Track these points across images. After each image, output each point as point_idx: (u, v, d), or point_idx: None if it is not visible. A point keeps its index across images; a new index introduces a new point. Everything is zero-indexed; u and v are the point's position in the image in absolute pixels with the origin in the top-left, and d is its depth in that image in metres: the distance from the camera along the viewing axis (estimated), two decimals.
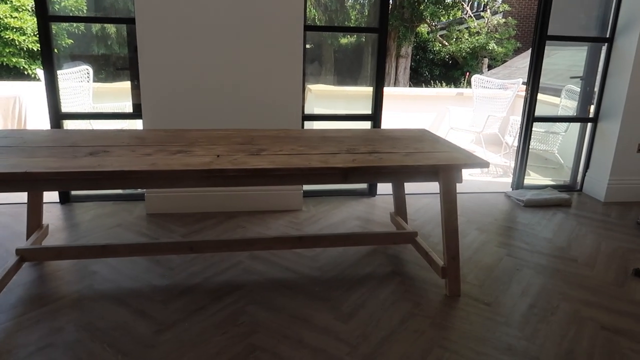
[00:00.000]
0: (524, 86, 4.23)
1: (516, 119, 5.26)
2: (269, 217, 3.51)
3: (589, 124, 4.33)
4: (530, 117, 4.14)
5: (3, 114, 4.77)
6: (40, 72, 5.11)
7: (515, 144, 4.63)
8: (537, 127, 4.77)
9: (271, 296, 2.48)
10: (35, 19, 9.65)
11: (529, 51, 4.29)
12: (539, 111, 4.16)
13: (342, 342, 2.14)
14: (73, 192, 3.70)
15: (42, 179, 2.07)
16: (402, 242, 3.03)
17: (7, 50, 9.71)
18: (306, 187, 3.82)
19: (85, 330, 2.15)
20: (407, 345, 2.14)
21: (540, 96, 4.12)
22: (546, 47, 3.96)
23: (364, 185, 4.10)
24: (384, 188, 4.07)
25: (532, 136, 4.23)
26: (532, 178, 4.89)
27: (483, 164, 2.41)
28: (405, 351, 2.10)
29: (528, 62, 4.14)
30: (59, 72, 3.50)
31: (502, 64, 13.46)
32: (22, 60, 10.01)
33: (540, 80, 4.07)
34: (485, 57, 15.10)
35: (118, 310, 2.31)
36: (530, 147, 4.25)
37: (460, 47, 15.46)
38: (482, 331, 2.26)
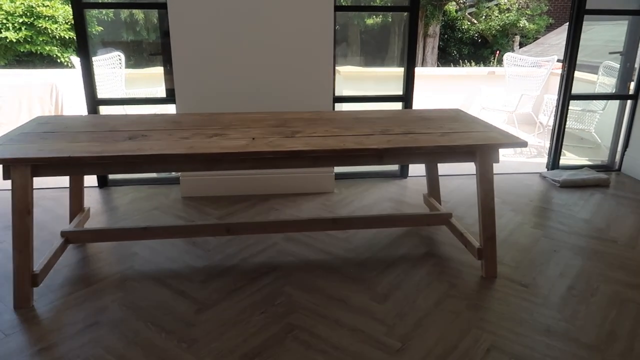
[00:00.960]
0: (559, 64, 4.10)
1: (551, 98, 5.12)
2: (301, 199, 3.53)
3: (629, 102, 4.18)
4: (566, 95, 4.02)
5: (40, 101, 4.90)
6: (73, 59, 5.22)
7: (550, 123, 4.52)
8: (574, 106, 4.63)
9: (307, 277, 2.51)
10: (66, 7, 9.83)
11: (563, 27, 4.16)
12: (576, 89, 4.04)
13: (378, 322, 2.16)
14: (110, 177, 3.79)
15: (86, 163, 2.13)
16: (437, 223, 3.01)
17: (41, 39, 9.92)
18: (337, 170, 3.82)
19: (129, 309, 2.23)
20: (444, 326, 2.14)
21: (576, 73, 3.99)
22: (584, 21, 3.81)
23: (395, 167, 4.07)
24: (415, 170, 4.04)
25: (568, 115, 4.11)
26: (568, 158, 4.77)
27: (521, 143, 2.36)
28: (443, 332, 2.10)
29: (561, 39, 4.02)
30: (92, 58, 3.56)
31: (534, 41, 13.07)
32: (55, 48, 10.21)
33: (577, 57, 3.94)
34: (516, 34, 14.68)
35: (159, 290, 2.38)
36: (566, 126, 4.14)
37: (490, 25, 15.06)
38: (519, 313, 2.24)
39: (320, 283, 2.46)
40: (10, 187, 2.14)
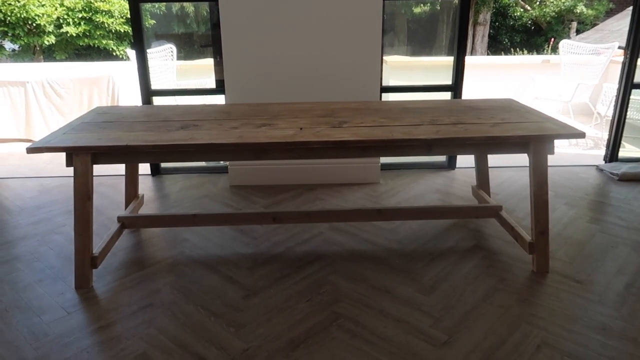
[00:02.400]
0: (620, 51, 3.89)
1: (610, 87, 4.86)
2: (347, 189, 3.54)
3: None
4: (628, 84, 3.80)
5: (99, 92, 5.13)
6: (129, 52, 5.42)
7: (609, 113, 4.29)
8: (636, 95, 4.38)
9: (352, 267, 2.52)
10: (122, 2, 10.20)
11: (624, 12, 3.92)
12: (639, 77, 3.81)
13: (424, 314, 2.14)
14: (163, 165, 3.93)
15: (142, 151, 2.22)
16: (486, 216, 2.94)
17: (98, 33, 10.35)
18: (383, 160, 3.79)
19: (180, 293, 2.31)
20: (493, 320, 2.10)
21: (639, 61, 3.77)
22: None
23: (442, 158, 4.00)
24: (464, 161, 3.95)
25: (629, 105, 3.90)
26: (628, 150, 4.51)
27: (578, 134, 2.27)
28: (491, 326, 2.06)
29: (622, 25, 3.82)
30: (147, 51, 3.68)
31: (592, 27, 12.41)
32: (111, 42, 10.64)
33: None
34: (572, 20, 14.00)
35: (208, 276, 2.46)
36: (627, 116, 3.92)
37: (544, 11, 14.42)
38: (573, 309, 2.16)
39: (365, 273, 2.46)
40: (72, 174, 2.26)
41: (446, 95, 3.80)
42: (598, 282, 2.37)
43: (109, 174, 3.79)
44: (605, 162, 4.04)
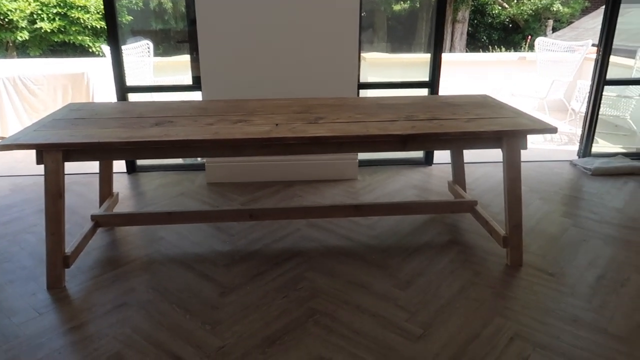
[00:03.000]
0: (594, 48, 3.97)
1: (584, 84, 4.96)
2: (325, 186, 3.54)
3: None
4: (601, 81, 3.88)
5: (73, 89, 5.02)
6: (104, 48, 5.32)
7: (583, 109, 4.38)
8: (608, 92, 4.47)
9: (329, 263, 2.52)
10: None
11: (599, 11, 4.00)
12: (611, 74, 3.90)
13: (400, 309, 2.15)
14: (139, 162, 3.87)
15: (115, 148, 2.19)
16: (461, 210, 2.97)
17: (73, 29, 10.14)
18: (361, 156, 3.80)
19: (155, 291, 2.28)
20: (467, 313, 2.12)
21: (612, 58, 3.85)
22: (621, 4, 3.67)
23: (420, 154, 4.03)
24: (441, 157, 3.99)
25: (602, 101, 3.98)
26: (601, 145, 4.62)
27: (551, 130, 2.30)
28: (466, 319, 2.08)
29: (597, 23, 3.88)
30: (122, 47, 3.62)
31: (568, 25, 12.63)
32: (87, 37, 10.43)
33: (613, 41, 3.79)
34: (549, 18, 14.22)
35: (184, 274, 2.44)
36: (599, 112, 4.00)
37: (522, 9, 14.62)
38: (546, 302, 2.20)
39: (342, 269, 2.47)
40: (43, 172, 2.21)
41: (423, 92, 3.83)
42: (570, 275, 2.42)
43: (83, 172, 3.73)
44: (579, 157, 4.12)
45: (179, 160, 3.98)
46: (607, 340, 1.96)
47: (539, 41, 5.90)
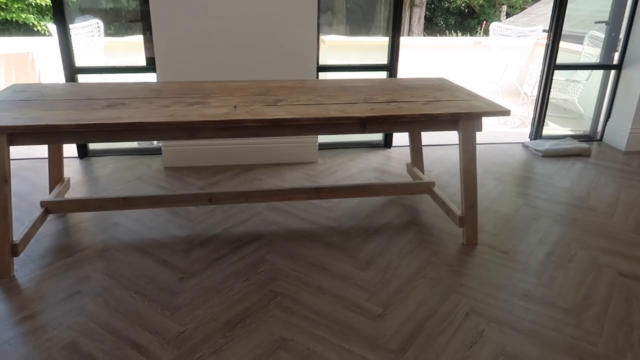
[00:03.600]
0: (545, 34, 4.09)
1: (536, 68, 5.12)
2: (285, 169, 3.52)
3: (612, 72, 4.20)
4: (551, 65, 4.02)
5: (17, 70, 4.76)
6: (51, 27, 5.06)
7: (534, 93, 4.53)
8: (558, 76, 4.64)
9: (290, 245, 2.52)
10: None
11: None
12: (561, 59, 4.04)
13: (360, 289, 2.18)
14: (91, 147, 3.73)
15: (64, 131, 2.09)
16: (419, 192, 3.03)
17: (16, 6, 9.59)
18: (321, 139, 3.80)
19: (111, 279, 2.22)
20: (425, 291, 2.18)
21: (561, 44, 3.98)
22: None
23: (379, 137, 4.07)
24: (400, 140, 4.04)
25: (552, 85, 4.12)
26: (551, 128, 4.80)
27: (504, 112, 2.37)
28: (423, 297, 2.14)
29: (549, 9, 3.99)
30: (70, 26, 3.45)
31: (521, 11, 12.97)
32: (32, 15, 9.89)
33: (563, 27, 3.92)
34: (503, 4, 14.55)
35: (142, 260, 2.38)
36: (550, 96, 4.15)
37: None
38: (499, 278, 2.29)
39: (303, 251, 2.48)
40: None
41: (382, 75, 3.85)
42: (522, 252, 2.52)
43: (30, 158, 3.56)
44: (531, 140, 4.27)
45: (134, 144, 3.86)
46: (556, 312, 2.06)
47: (494, 26, 6.03)
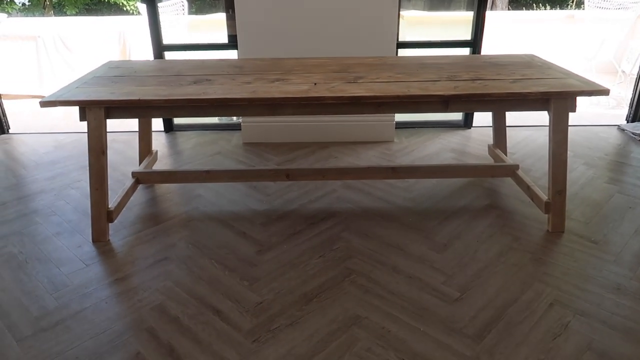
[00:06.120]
0: None
1: (637, 44, 4.68)
2: (361, 147, 3.50)
3: None
4: None
5: (110, 47, 5.07)
6: (140, 6, 5.31)
7: (634, 72, 4.14)
8: None
9: (365, 224, 2.52)
10: None
11: None
12: None
13: (437, 271, 2.14)
14: (176, 121, 3.91)
15: (154, 106, 2.20)
16: (502, 175, 2.90)
17: None
18: (398, 118, 3.73)
19: (195, 247, 2.34)
20: (505, 278, 2.10)
21: None
22: None
23: (458, 117, 3.92)
24: (480, 120, 3.87)
25: None
26: None
27: (603, 91, 2.19)
28: (503, 283, 2.06)
29: None
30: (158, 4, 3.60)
31: None
32: None
33: None
34: None
35: (222, 231, 2.48)
36: None
37: None
38: (587, 269, 2.15)
39: (378, 230, 2.46)
40: (85, 130, 2.25)
41: (465, 52, 3.68)
42: (614, 243, 2.34)
43: (122, 131, 3.80)
44: (627, 122, 3.93)
45: (215, 120, 4.00)
46: None
47: None
